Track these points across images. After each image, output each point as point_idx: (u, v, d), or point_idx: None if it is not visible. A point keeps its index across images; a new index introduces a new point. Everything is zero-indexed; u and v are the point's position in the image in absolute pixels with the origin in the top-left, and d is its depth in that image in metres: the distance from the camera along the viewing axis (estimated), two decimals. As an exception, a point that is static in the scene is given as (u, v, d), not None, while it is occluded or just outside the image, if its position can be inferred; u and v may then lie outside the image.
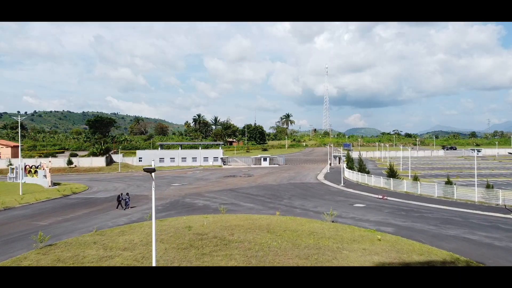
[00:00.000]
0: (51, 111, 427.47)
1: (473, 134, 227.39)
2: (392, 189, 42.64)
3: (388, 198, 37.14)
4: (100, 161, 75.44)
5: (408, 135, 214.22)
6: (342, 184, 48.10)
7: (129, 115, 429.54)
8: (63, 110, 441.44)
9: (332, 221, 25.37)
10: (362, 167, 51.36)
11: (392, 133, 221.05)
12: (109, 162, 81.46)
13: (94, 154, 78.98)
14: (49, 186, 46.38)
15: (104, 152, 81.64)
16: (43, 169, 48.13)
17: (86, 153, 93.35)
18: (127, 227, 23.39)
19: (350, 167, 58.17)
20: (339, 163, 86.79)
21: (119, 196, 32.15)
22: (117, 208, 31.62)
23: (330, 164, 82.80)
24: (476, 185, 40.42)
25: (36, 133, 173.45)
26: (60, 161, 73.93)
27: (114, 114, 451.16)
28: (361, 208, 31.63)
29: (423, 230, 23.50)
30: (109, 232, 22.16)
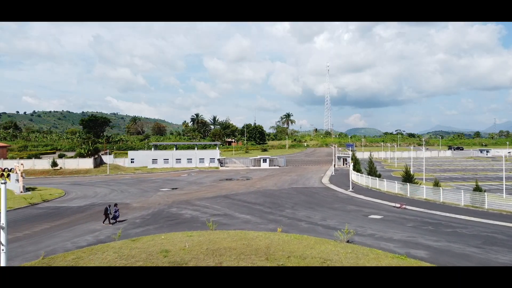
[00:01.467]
0: (50, 111, 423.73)
1: (477, 134, 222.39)
2: (409, 195, 37.48)
3: (407, 207, 32.02)
4: (87, 163, 70.20)
5: (411, 135, 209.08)
6: (350, 189, 42.95)
7: (129, 115, 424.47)
8: (62, 110, 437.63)
9: (348, 241, 20.24)
10: (372, 170, 46.19)
11: (394, 132, 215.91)
12: (99, 163, 76.32)
13: (81, 155, 73.74)
14: (21, 192, 41.25)
15: (93, 153, 76.40)
16: (16, 173, 43.02)
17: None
18: (87, 251, 18.24)
19: (358, 169, 53.04)
20: (343, 165, 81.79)
21: (106, 209, 26.17)
22: (103, 222, 26.03)
23: (334, 165, 77.75)
24: (504, 191, 35.49)
25: (29, 133, 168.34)
26: (44, 163, 68.70)
27: (114, 114, 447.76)
28: (379, 221, 26.49)
29: (464, 254, 18.37)
30: (60, 259, 17.00)
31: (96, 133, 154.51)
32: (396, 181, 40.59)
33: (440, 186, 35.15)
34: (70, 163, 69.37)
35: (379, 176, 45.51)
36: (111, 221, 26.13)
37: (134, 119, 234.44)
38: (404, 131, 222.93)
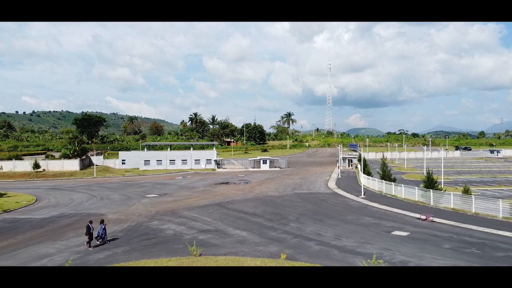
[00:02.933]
0: (49, 111, 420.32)
1: (482, 134, 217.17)
2: (432, 204, 32.21)
3: (434, 219, 26.76)
4: (73, 165, 64.84)
5: (415, 135, 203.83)
6: (362, 196, 37.68)
7: (129, 115, 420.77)
8: (62, 110, 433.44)
9: (376, 275, 14.93)
10: (386, 174, 40.90)
11: (397, 132, 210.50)
12: (87, 165, 71.06)
13: (66, 156, 68.39)
14: (-15, 199, 36.04)
15: (80, 153, 71.08)
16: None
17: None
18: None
19: (368, 172, 47.81)
20: (348, 166, 76.60)
21: (88, 227, 20.22)
22: (87, 245, 20.01)
23: (339, 167, 72.49)
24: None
25: (21, 133, 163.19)
26: (25, 165, 63.37)
27: (114, 114, 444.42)
28: (406, 240, 21.23)
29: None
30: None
31: (90, 132, 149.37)
32: (416, 187, 35.29)
33: (472, 194, 29.91)
34: (53, 165, 64.03)
35: (394, 180, 40.24)
36: (98, 241, 20.61)
37: (131, 119, 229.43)
38: (407, 131, 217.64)
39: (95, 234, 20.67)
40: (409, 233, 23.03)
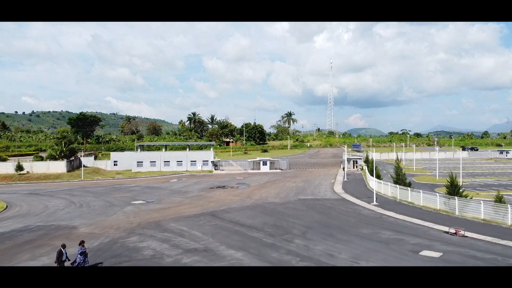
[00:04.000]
0: (49, 111, 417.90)
1: (486, 134, 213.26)
2: (457, 213, 27.96)
3: (465, 233, 22.51)
4: (59, 166, 60.54)
5: (417, 135, 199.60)
6: (374, 203, 33.42)
7: (129, 116, 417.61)
8: (62, 111, 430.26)
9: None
10: (400, 178, 36.60)
11: (400, 132, 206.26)
12: (76, 166, 66.84)
13: (52, 158, 64.12)
14: None
15: (68, 154, 66.81)
16: None
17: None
18: None
19: (378, 175, 43.54)
20: (353, 168, 72.50)
21: (60, 253, 15.93)
22: None
23: (343, 169, 68.27)
24: None
25: (15, 133, 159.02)
26: (8, 166, 59.14)
27: (114, 114, 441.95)
28: (441, 265, 16.98)
29: None
30: None
31: (86, 132, 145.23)
32: (437, 193, 31.05)
33: (504, 202, 25.65)
34: (38, 167, 59.77)
35: (409, 184, 35.95)
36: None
37: (128, 118, 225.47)
38: (410, 130, 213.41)
39: (73, 261, 16.18)
40: (441, 253, 18.79)
